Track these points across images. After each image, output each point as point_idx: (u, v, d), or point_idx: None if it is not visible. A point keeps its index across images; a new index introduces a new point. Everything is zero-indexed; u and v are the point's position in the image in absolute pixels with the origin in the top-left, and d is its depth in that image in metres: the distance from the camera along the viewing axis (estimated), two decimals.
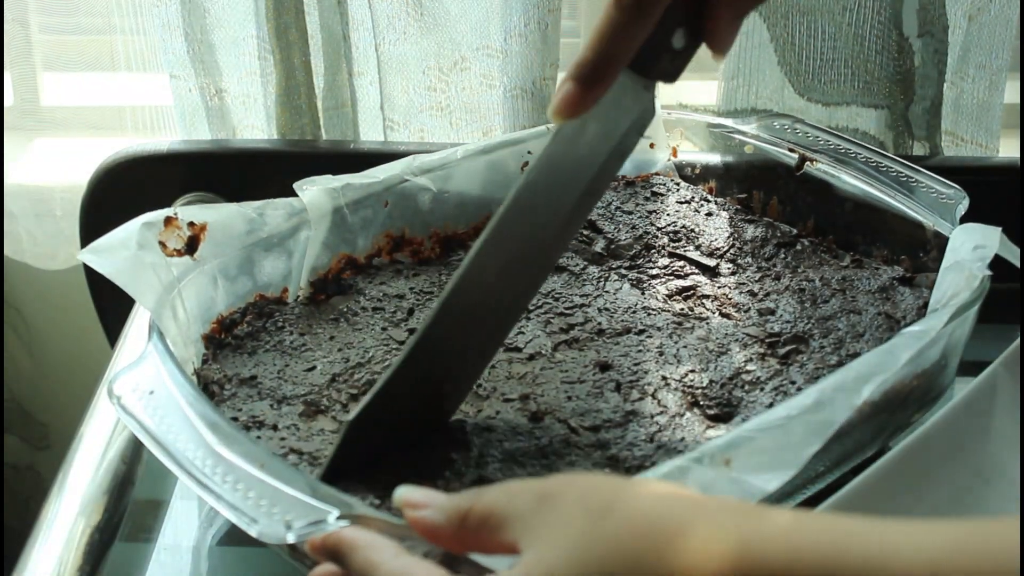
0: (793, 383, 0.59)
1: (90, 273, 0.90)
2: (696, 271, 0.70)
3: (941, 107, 0.90)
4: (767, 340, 0.62)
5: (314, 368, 0.59)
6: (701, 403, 0.57)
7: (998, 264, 0.59)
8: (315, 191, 0.65)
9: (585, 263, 0.70)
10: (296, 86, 0.90)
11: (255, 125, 0.93)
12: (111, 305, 0.88)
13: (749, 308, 0.65)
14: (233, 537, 0.58)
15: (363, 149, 0.90)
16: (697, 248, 0.72)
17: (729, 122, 0.78)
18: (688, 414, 0.56)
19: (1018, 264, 0.60)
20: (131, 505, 0.58)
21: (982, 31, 0.88)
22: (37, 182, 0.99)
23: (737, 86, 0.92)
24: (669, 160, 0.80)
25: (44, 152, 1.02)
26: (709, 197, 0.77)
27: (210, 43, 0.89)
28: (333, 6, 0.88)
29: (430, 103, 0.92)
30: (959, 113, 0.91)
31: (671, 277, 0.69)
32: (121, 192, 0.87)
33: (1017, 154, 0.90)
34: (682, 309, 0.66)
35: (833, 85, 0.90)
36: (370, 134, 0.95)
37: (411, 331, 0.63)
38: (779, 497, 0.54)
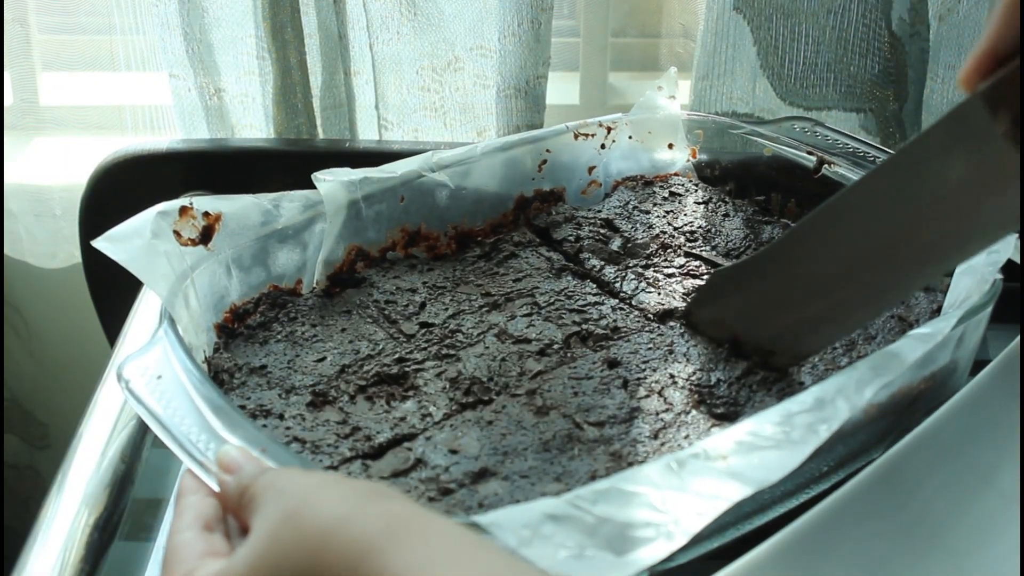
0: (801, 384, 0.59)
1: (90, 272, 0.90)
2: (712, 270, 0.70)
3: (922, 107, 0.90)
4: None
5: (324, 359, 0.59)
6: (707, 402, 0.57)
7: (1007, 266, 0.59)
8: (332, 184, 0.65)
9: (602, 263, 0.69)
10: (292, 85, 0.90)
11: (254, 124, 0.93)
12: (111, 304, 0.88)
13: None
14: None
15: (359, 148, 0.90)
16: (713, 248, 0.72)
17: (749, 124, 0.77)
18: (694, 412, 0.56)
19: None
20: (131, 504, 0.58)
21: (951, 31, 0.88)
22: (36, 181, 0.99)
23: (709, 85, 0.91)
24: (688, 161, 0.80)
25: (43, 151, 1.02)
26: (727, 198, 0.77)
27: (209, 42, 0.89)
28: (329, 5, 0.88)
29: (424, 103, 0.92)
30: (929, 113, 0.90)
31: (687, 276, 0.69)
32: (120, 191, 0.87)
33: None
34: None
35: (815, 89, 0.90)
36: (367, 133, 0.95)
37: (423, 324, 0.63)
38: (782, 495, 0.54)
